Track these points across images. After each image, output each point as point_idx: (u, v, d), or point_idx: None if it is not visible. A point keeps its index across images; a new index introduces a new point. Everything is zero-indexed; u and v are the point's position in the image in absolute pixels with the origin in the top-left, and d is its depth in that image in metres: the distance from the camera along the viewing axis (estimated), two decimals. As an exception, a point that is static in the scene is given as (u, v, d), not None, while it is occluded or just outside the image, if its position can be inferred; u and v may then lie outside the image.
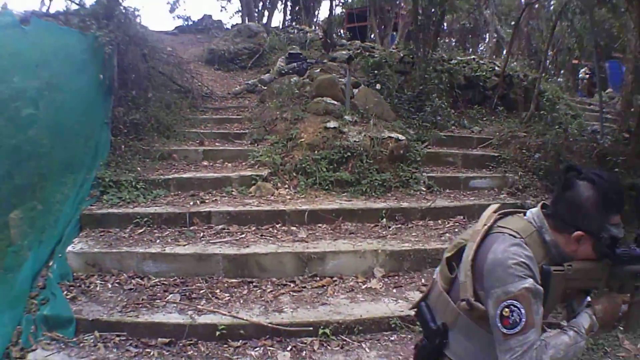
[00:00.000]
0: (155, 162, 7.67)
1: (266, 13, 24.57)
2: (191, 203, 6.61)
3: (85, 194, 6.45)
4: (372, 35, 23.56)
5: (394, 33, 24.81)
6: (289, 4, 26.37)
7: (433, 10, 12.42)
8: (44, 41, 6.14)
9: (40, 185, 5.60)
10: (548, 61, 20.93)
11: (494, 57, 19.16)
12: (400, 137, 8.36)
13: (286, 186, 7.47)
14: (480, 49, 24.89)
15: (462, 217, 7.12)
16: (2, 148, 4.95)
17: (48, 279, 4.94)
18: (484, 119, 12.28)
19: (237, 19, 29.81)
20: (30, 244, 5.05)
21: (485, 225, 1.89)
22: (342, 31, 24.71)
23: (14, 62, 5.41)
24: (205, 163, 7.99)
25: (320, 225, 6.55)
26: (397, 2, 23.83)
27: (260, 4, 23.70)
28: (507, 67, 13.91)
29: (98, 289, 5.04)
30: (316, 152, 7.90)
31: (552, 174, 8.19)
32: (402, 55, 13.41)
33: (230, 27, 21.35)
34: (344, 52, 13.55)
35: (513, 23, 18.04)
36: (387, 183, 7.76)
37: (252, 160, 7.93)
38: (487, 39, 20.72)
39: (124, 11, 8.20)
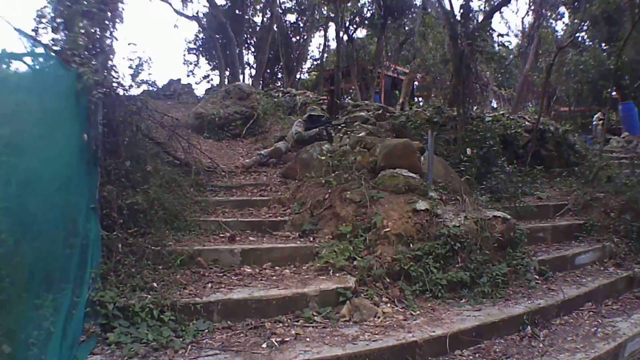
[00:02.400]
0: (175, 270, 5.11)
1: (247, 73, 22.54)
2: (263, 345, 4.09)
3: (76, 330, 3.90)
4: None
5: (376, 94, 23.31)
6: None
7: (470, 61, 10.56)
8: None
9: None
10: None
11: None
12: (507, 216, 6.41)
13: (386, 300, 5.10)
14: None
15: (591, 304, 5.90)
16: None
17: None
18: (536, 181, 10.39)
19: (206, 85, 27.81)
20: None
21: None
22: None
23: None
24: (247, 270, 5.42)
25: (462, 353, 4.48)
26: (381, 62, 22.28)
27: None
28: (538, 121, 12.20)
29: None
30: (411, 245, 5.70)
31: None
32: (428, 115, 11.51)
33: (206, 92, 19.24)
34: (362, 113, 11.50)
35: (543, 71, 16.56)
36: (506, 277, 5.79)
37: (318, 264, 5.49)
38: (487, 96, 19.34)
39: (112, 43, 5.70)
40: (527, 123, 12.90)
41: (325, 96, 17.65)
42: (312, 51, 28.22)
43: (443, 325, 4.59)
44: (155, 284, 4.65)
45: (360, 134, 8.16)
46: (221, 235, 6.22)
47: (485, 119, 11.79)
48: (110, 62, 5.65)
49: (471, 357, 4.39)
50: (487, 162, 9.37)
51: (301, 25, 24.69)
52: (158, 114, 8.41)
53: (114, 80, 5.63)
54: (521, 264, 6.08)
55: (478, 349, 4.52)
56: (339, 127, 9.51)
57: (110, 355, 3.76)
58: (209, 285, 4.94)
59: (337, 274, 5.32)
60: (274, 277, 5.27)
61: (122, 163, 5.57)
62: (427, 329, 4.49)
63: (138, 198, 5.47)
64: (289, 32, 23.47)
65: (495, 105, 20.24)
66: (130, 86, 6.45)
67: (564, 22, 22.21)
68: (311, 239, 6.18)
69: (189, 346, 4.01)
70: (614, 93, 21.66)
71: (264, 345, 4.08)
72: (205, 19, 21.99)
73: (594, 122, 18.90)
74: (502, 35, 10.84)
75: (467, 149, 8.74)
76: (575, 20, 19.24)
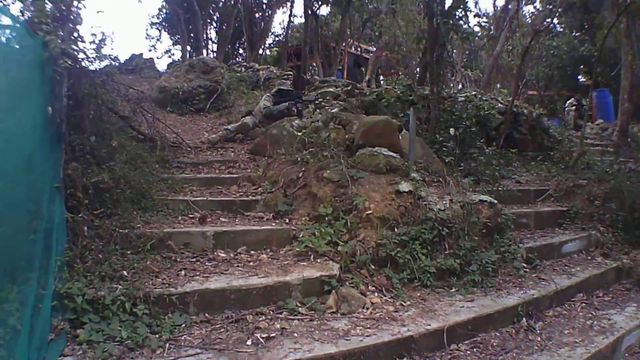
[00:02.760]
0: (145, 255, 4.56)
1: (209, 48, 21.69)
2: (248, 342, 3.62)
3: (44, 328, 3.39)
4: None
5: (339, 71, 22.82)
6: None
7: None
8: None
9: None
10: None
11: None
12: (493, 200, 6.07)
13: (372, 288, 4.69)
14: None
15: (582, 295, 5.68)
16: None
17: None
18: (511, 165, 10.14)
19: (167, 60, 26.82)
20: None
21: None
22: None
23: None
24: (221, 254, 4.91)
25: (459, 347, 4.14)
26: (344, 39, 21.72)
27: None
28: (512, 103, 11.95)
29: None
30: (396, 229, 5.30)
31: (630, 226, 7.34)
32: (399, 92, 11.08)
33: (168, 67, 18.45)
34: (330, 89, 10.98)
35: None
36: (495, 265, 5.45)
37: (298, 248, 5.03)
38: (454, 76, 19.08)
39: (79, 11, 5.08)
40: (499, 105, 12.58)
41: (289, 71, 17.07)
42: (274, 27, 27.57)
43: (437, 318, 4.23)
44: (125, 272, 4.13)
45: (333, 110, 7.67)
46: (191, 215, 5.70)
47: (457, 98, 11.46)
48: (77, 32, 5.08)
49: (469, 352, 4.04)
50: (463, 143, 9.00)
51: (265, 0, 23.95)
52: (123, 87, 7.76)
53: (80, 50, 5.10)
54: (509, 252, 5.77)
55: (475, 343, 4.19)
56: (310, 102, 8.99)
57: (82, 357, 3.26)
58: (182, 272, 4.42)
59: (318, 260, 4.89)
60: (251, 263, 4.79)
61: (87, 138, 5.06)
62: (421, 321, 4.11)
63: (104, 176, 4.95)
64: (253, 6, 22.66)
65: (460, 87, 19.95)
66: (96, 57, 5.83)
67: (535, 7, 22.00)
68: (287, 220, 5.73)
69: (167, 344, 3.52)
70: (581, 79, 21.81)
71: (249, 343, 3.63)
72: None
73: (566, 108, 18.82)
74: (479, 16, 10.43)
75: (451, 129, 8.33)
76: (549, 6, 19.06)
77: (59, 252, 3.89)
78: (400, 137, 6.81)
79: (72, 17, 4.98)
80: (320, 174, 6.00)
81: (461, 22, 10.18)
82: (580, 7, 19.43)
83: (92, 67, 5.74)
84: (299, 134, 7.42)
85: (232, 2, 20.85)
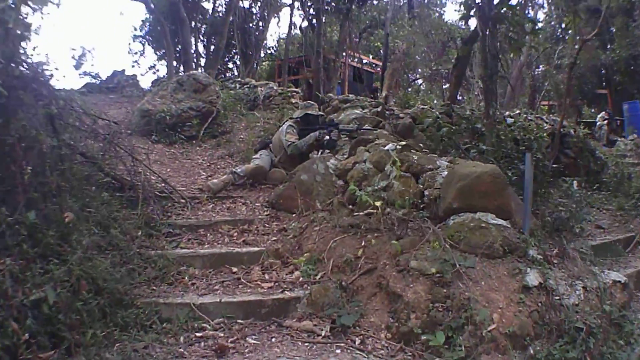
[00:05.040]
0: None
1: (197, 63, 19.49)
2: None
3: None
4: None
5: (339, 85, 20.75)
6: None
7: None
8: None
9: None
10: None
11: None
12: (624, 278, 4.42)
13: None
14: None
15: None
16: None
17: None
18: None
19: (152, 76, 24.62)
20: None
21: None
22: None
23: None
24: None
25: None
26: (345, 50, 19.63)
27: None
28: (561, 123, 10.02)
29: None
30: (531, 350, 3.41)
31: None
32: (437, 113, 9.05)
33: (152, 84, 16.28)
34: (356, 110, 8.87)
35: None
36: None
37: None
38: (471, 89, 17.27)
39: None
40: (545, 125, 10.68)
41: (293, 87, 14.95)
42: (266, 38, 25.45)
43: None
44: None
45: (389, 147, 5.55)
46: (198, 335, 3.55)
47: (506, 120, 9.47)
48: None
49: None
50: (535, 181, 6.97)
51: (254, 10, 21.85)
52: (89, 117, 5.68)
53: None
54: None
55: None
56: (350, 132, 6.84)
57: None
58: None
59: None
60: None
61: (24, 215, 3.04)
62: None
63: (48, 293, 2.88)
64: (246, 16, 20.47)
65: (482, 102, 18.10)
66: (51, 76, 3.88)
67: (544, 12, 20.17)
68: (355, 340, 3.58)
69: None
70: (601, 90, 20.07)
71: None
72: (152, 3, 18.80)
73: (598, 122, 17.00)
74: (534, 22, 8.53)
75: (574, 181, 6.34)
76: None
77: None
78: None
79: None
80: (403, 261, 3.90)
81: (519, 27, 8.17)
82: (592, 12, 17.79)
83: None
84: (340, 181, 5.38)
85: (225, 10, 18.60)
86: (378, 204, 4.22)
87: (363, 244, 4.36)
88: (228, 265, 4.67)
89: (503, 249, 3.89)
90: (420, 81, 23.67)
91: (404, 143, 5.59)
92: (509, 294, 3.58)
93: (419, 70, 22.81)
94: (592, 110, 20.97)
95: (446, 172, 4.54)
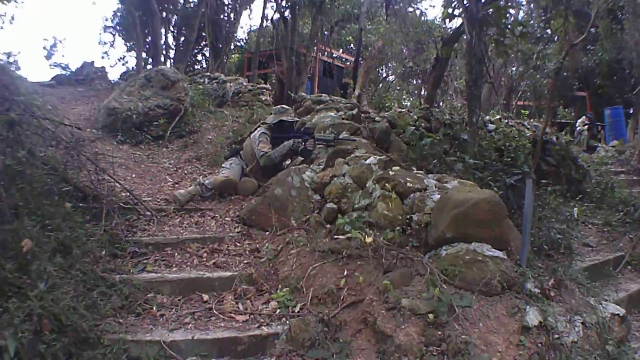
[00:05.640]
0: None
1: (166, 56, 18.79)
2: None
3: None
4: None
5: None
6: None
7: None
8: None
9: None
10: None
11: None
12: (622, 310, 4.19)
13: None
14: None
15: None
16: None
17: None
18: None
19: (121, 68, 23.79)
20: None
21: None
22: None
23: None
24: None
25: None
26: (316, 44, 19.03)
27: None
28: (543, 130, 9.79)
29: None
30: None
31: None
32: (415, 117, 8.72)
33: (121, 76, 15.65)
34: (330, 113, 8.43)
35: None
36: None
37: None
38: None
39: None
40: (526, 131, 10.43)
41: (263, 84, 14.43)
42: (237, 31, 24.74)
43: None
44: None
45: (370, 160, 5.15)
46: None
47: (487, 126, 9.18)
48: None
49: None
50: (518, 195, 6.63)
51: (226, 1, 21.13)
52: (51, 122, 5.21)
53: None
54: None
55: None
56: (326, 142, 6.37)
57: None
58: None
59: None
60: None
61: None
62: None
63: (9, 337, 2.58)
64: (218, 8, 19.73)
65: (456, 103, 17.79)
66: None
67: (524, 12, 19.90)
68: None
69: None
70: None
71: None
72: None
73: (578, 127, 16.83)
74: (522, 25, 8.15)
75: (575, 208, 6.05)
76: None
77: None
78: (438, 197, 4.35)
79: None
80: (392, 299, 3.52)
81: (506, 30, 7.83)
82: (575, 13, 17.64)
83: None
84: (317, 195, 5.02)
85: (197, 1, 17.87)
86: (369, 240, 3.81)
87: (345, 273, 3.99)
88: (199, 292, 4.24)
89: (501, 285, 3.54)
90: (391, 78, 23.22)
91: (385, 157, 5.18)
92: (508, 336, 3.25)
93: (391, 65, 22.30)
94: (569, 110, 20.90)
95: (437, 196, 4.16)
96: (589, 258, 6.37)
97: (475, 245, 3.77)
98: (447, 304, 3.30)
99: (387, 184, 4.46)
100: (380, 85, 20.49)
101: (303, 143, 6.27)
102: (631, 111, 17.00)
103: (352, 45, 24.97)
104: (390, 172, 4.64)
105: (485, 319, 3.33)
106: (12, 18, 21.74)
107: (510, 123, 10.46)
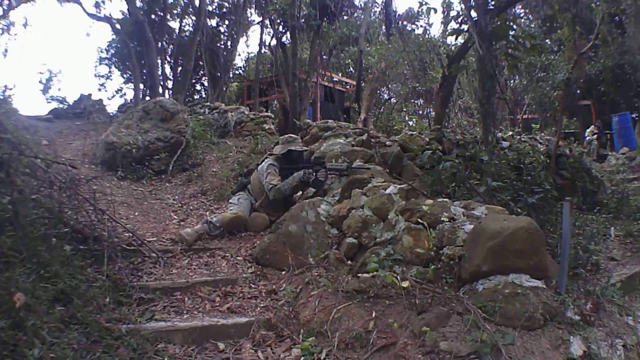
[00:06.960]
0: None
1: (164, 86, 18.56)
2: None
3: None
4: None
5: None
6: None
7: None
8: None
9: None
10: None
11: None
12: None
13: None
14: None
15: None
16: None
17: None
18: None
19: (119, 100, 23.62)
20: None
21: None
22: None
23: None
24: None
25: None
26: (316, 69, 18.83)
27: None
28: (557, 144, 9.47)
29: None
30: None
31: None
32: (427, 139, 8.38)
33: (119, 109, 15.44)
34: (339, 139, 8.11)
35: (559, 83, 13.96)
36: None
37: None
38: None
39: None
40: (539, 145, 10.12)
41: (265, 111, 14.17)
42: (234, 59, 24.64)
43: None
44: None
45: (390, 190, 4.82)
46: None
47: (502, 145, 8.84)
48: None
49: None
50: (540, 214, 6.29)
51: (222, 29, 21.02)
52: (43, 161, 4.92)
53: None
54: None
55: None
56: (339, 172, 6.03)
57: None
58: None
59: None
60: None
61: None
62: None
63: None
64: (214, 36, 19.61)
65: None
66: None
67: (523, 24, 19.73)
68: None
69: None
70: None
71: None
72: (118, 24, 17.88)
73: (587, 137, 16.53)
74: (533, 37, 7.87)
75: (611, 227, 5.68)
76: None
77: None
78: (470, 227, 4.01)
79: None
80: (429, 342, 3.16)
81: (517, 43, 7.55)
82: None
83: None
84: (334, 229, 4.67)
85: (192, 29, 17.71)
86: (405, 284, 3.45)
87: (374, 314, 3.63)
88: (213, 341, 3.86)
89: (544, 318, 3.22)
90: (394, 100, 23.03)
91: (407, 186, 4.85)
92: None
93: (391, 87, 22.10)
94: (574, 120, 20.58)
95: (469, 226, 3.82)
96: (616, 273, 6.03)
97: (514, 276, 3.45)
98: (490, 344, 2.96)
99: (413, 216, 4.12)
100: (382, 108, 20.20)
101: (314, 174, 5.94)
102: (637, 117, 16.77)
103: (351, 68, 24.76)
104: (416, 203, 4.30)
105: (530, 355, 3.01)
106: (6, 50, 21.62)
107: (522, 139, 10.11)
